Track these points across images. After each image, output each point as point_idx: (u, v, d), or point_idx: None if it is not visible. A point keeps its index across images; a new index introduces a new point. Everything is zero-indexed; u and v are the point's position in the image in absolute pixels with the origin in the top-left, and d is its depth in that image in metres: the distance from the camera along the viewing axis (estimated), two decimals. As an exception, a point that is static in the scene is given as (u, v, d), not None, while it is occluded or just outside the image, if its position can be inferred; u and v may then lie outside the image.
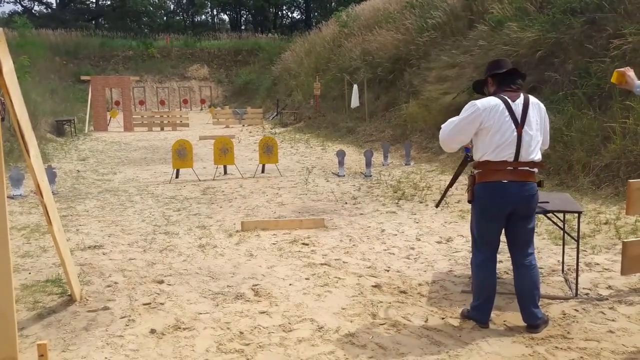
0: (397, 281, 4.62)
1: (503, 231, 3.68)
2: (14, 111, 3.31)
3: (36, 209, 7.41)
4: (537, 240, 4.72)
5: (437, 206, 5.05)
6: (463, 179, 6.84)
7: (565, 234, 4.50)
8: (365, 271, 4.88)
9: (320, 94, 20.07)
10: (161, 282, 4.65)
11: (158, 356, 3.36)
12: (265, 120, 23.59)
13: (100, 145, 16.43)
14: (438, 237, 5.98)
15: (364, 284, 4.56)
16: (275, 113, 23.94)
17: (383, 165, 11.18)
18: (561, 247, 4.89)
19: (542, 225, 5.96)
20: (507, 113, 3.48)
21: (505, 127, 3.47)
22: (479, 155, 3.61)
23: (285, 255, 5.41)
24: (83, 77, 25.82)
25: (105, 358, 3.33)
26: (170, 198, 8.37)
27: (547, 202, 4.13)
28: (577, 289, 4.20)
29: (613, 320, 3.74)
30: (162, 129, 21.83)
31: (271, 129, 20.53)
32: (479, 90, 3.86)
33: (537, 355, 3.28)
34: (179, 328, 3.73)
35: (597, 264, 4.91)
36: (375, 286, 4.50)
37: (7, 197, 3.52)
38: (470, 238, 4.02)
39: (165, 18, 54.72)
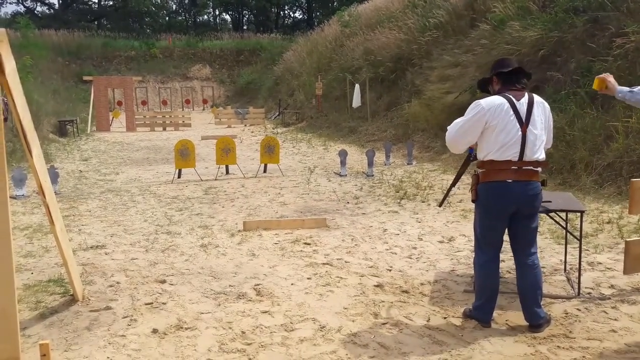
0: (399, 281, 4.62)
1: (506, 231, 3.67)
2: (17, 111, 3.31)
3: (39, 209, 7.43)
4: (539, 240, 4.72)
5: (439, 205, 5.05)
6: (466, 178, 6.85)
7: (568, 233, 4.48)
8: (367, 271, 4.88)
9: (322, 93, 20.07)
10: (163, 281, 4.66)
11: (160, 356, 3.36)
12: (267, 120, 23.60)
13: (102, 145, 16.45)
14: (440, 236, 5.97)
15: (366, 283, 4.56)
16: (277, 113, 23.94)
17: (385, 164, 11.17)
18: (563, 246, 4.87)
19: (544, 225, 5.95)
20: (511, 112, 3.45)
21: (510, 126, 3.45)
22: (483, 154, 3.58)
23: (287, 254, 5.41)
24: (85, 78, 25.89)
25: (108, 358, 3.34)
26: (173, 198, 8.38)
27: (550, 202, 4.12)
28: (579, 288, 4.19)
29: (615, 320, 3.74)
30: (164, 129, 21.86)
31: (273, 128, 20.53)
32: (483, 88, 3.84)
33: (539, 354, 3.27)
34: (181, 328, 3.73)
35: (600, 263, 4.91)
36: (377, 286, 4.49)
37: (10, 197, 3.53)
38: (472, 237, 4.01)
39: (167, 18, 54.79)
